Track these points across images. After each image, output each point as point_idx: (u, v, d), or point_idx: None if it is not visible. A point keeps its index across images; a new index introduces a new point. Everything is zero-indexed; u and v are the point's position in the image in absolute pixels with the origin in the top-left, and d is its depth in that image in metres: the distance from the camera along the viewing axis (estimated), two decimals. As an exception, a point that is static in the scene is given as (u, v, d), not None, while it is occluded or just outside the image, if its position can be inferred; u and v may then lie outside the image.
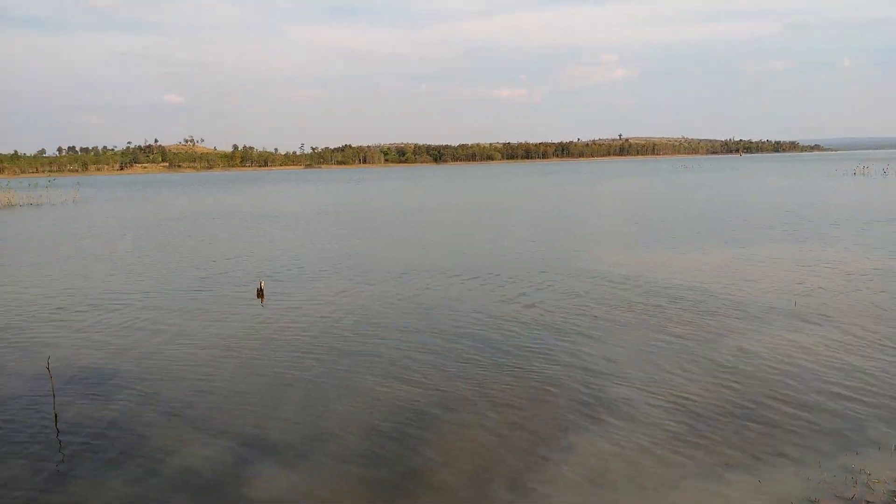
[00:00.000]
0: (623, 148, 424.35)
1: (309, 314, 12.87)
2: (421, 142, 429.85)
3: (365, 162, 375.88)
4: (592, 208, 37.95)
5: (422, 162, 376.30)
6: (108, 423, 7.71)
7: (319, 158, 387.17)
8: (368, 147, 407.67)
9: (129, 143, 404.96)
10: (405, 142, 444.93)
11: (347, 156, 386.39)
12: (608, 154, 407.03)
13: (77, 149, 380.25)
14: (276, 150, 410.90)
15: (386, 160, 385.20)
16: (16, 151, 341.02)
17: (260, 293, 14.71)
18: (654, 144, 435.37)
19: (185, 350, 10.62)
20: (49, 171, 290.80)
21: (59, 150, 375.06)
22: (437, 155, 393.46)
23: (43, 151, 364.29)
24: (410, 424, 7.51)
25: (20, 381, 9.24)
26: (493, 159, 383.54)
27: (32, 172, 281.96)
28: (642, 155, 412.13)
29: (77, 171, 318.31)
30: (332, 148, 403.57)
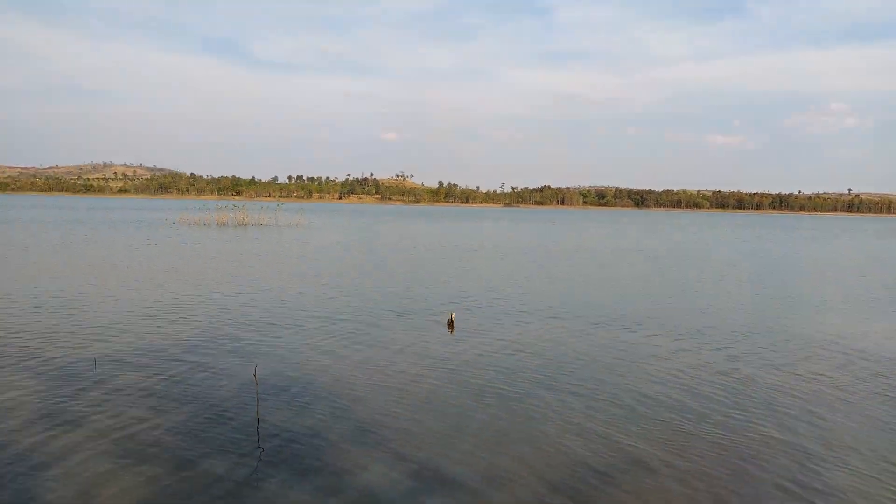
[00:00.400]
0: (852, 203, 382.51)
1: (496, 350, 12.76)
2: (623, 185, 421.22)
3: (563, 203, 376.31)
4: (819, 267, 34.20)
5: (622, 206, 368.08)
6: (302, 434, 8.09)
7: (518, 198, 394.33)
8: (567, 189, 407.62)
9: (348, 175, 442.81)
10: (606, 185, 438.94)
11: (546, 196, 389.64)
12: (834, 209, 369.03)
13: (304, 178, 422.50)
14: (477, 187, 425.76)
15: (585, 202, 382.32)
16: (253, 177, 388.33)
17: (450, 324, 14.94)
18: (891, 202, 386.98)
19: (376, 371, 10.97)
20: (279, 196, 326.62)
21: (289, 178, 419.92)
22: (640, 199, 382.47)
23: (275, 178, 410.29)
24: (588, 481, 6.99)
25: (229, 384, 10.07)
26: (700, 207, 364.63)
27: (266, 197, 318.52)
28: (875, 213, 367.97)
29: (302, 197, 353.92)
30: (532, 188, 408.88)
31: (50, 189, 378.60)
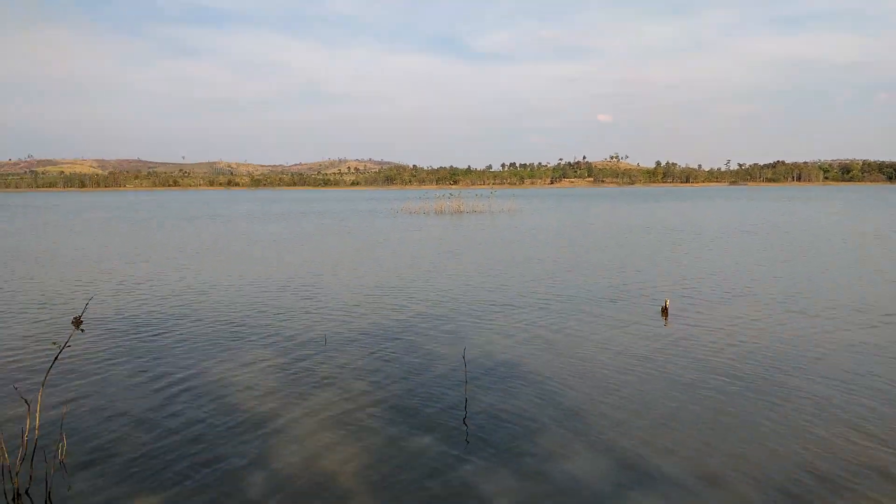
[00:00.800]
0: None
1: (715, 341, 11.87)
2: (874, 158, 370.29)
3: (799, 179, 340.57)
4: None
5: (872, 181, 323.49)
6: (508, 416, 8.18)
7: (746, 175, 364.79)
8: (804, 163, 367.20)
9: (560, 159, 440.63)
10: (852, 158, 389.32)
11: (779, 173, 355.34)
12: None
13: (517, 164, 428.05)
14: (699, 166, 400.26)
15: (825, 178, 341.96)
16: (469, 166, 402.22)
17: (664, 311, 14.20)
18: None
19: (585, 357, 10.77)
20: (493, 183, 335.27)
21: (503, 165, 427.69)
22: (894, 173, 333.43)
23: (490, 167, 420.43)
24: (816, 492, 6.22)
25: (441, 364, 10.50)
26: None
27: (480, 184, 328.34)
28: None
29: (514, 184, 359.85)
30: (762, 164, 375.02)
31: (294, 184, 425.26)
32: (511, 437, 7.51)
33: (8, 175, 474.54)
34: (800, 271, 20.74)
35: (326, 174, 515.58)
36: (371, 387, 9.34)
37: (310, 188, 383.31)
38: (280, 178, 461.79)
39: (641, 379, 9.64)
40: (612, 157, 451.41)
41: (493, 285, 18.29)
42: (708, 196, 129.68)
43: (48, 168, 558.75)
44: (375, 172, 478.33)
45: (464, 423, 7.97)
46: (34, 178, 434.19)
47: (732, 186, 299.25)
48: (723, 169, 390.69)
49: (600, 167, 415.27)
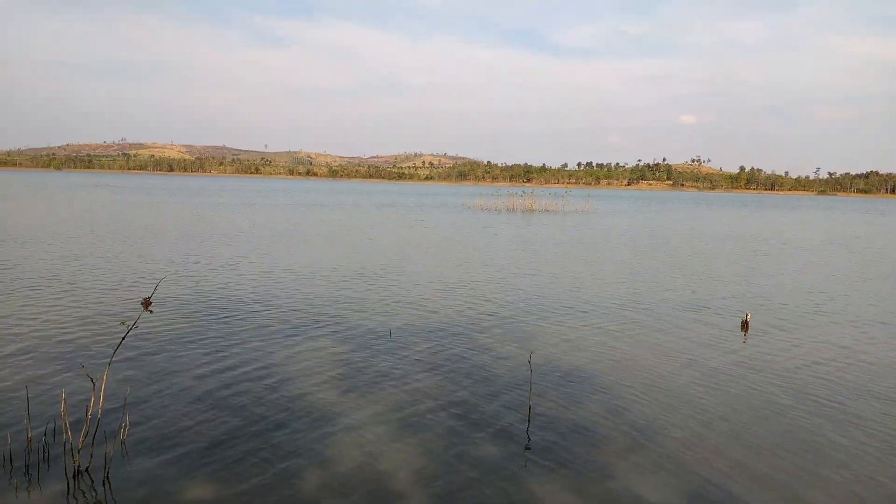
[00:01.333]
0: None
1: (798, 359, 11.09)
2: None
3: (893, 192, 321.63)
4: None
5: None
6: (573, 427, 7.81)
7: (836, 185, 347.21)
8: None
9: (639, 160, 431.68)
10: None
11: (871, 184, 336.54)
12: None
13: (593, 164, 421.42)
14: (786, 173, 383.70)
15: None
16: (544, 164, 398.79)
17: (745, 325, 13.41)
18: None
19: (656, 371, 10.24)
20: (567, 182, 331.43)
21: (579, 164, 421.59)
22: None
23: (565, 165, 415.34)
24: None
25: (506, 367, 10.18)
26: None
27: (554, 183, 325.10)
28: None
29: (590, 184, 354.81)
30: (854, 174, 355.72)
31: (370, 176, 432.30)
32: (574, 448, 7.14)
33: (102, 156, 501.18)
34: (892, 291, 19.32)
35: (401, 167, 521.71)
36: (433, 385, 9.12)
37: (384, 181, 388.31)
38: (356, 170, 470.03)
39: (715, 396, 9.06)
40: (693, 160, 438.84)
41: (564, 288, 17.80)
42: (796, 206, 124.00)
43: (139, 151, 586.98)
44: (449, 168, 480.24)
45: (527, 430, 7.64)
46: (126, 160, 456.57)
47: (820, 196, 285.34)
48: (811, 177, 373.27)
49: (680, 170, 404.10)
